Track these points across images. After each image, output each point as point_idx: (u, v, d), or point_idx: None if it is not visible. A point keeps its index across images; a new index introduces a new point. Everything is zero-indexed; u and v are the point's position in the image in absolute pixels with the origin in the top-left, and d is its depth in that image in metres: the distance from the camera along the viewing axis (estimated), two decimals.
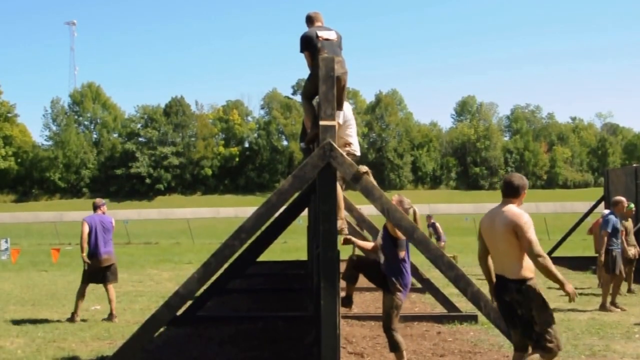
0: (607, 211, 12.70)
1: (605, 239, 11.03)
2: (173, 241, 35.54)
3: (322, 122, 6.22)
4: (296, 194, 9.81)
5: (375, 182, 6.41)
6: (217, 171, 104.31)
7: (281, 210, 10.37)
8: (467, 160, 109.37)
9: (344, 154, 6.31)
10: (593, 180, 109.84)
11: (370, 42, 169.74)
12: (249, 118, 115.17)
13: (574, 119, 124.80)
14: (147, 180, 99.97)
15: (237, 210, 68.04)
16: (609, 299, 11.60)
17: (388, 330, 6.84)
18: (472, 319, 10.11)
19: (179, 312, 11.30)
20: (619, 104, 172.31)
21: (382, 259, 7.04)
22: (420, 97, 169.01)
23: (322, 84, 6.26)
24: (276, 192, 6.17)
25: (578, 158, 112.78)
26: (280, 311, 11.10)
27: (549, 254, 20.75)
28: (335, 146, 6.17)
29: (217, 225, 52.06)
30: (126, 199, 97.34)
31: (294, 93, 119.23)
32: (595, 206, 22.37)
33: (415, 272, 10.41)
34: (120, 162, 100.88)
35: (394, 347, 6.83)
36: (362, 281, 13.71)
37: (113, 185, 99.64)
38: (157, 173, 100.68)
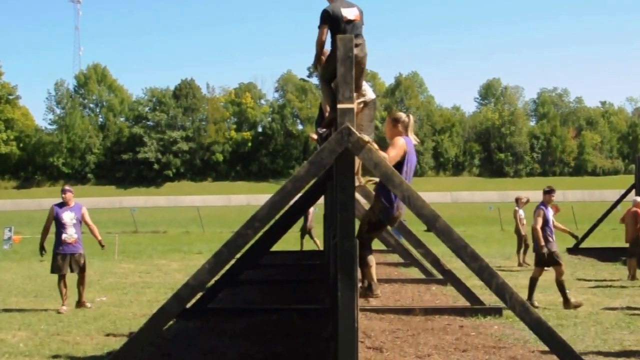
0: None
1: None
2: (182, 230, 35.66)
3: (340, 105, 6.18)
4: (312, 181, 9.79)
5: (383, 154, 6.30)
6: (229, 157, 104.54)
7: (296, 197, 10.36)
8: (491, 146, 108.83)
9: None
10: (623, 168, 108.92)
11: (389, 20, 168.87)
12: (262, 101, 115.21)
13: (603, 103, 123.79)
14: (155, 166, 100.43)
15: (250, 197, 68.21)
16: None
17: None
18: (496, 312, 10.07)
19: (189, 305, 11.37)
20: None
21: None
22: (442, 80, 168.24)
23: (341, 65, 6.22)
24: (292, 178, 6.14)
25: (608, 144, 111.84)
26: (295, 303, 11.10)
27: (577, 244, 20.63)
28: (354, 130, 6.13)
29: (228, 213, 52.21)
30: (133, 186, 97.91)
31: (310, 75, 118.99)
32: (625, 194, 22.16)
33: (437, 263, 10.37)
34: (127, 147, 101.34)
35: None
36: (381, 272, 13.73)
37: (119, 171, 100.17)
38: (166, 158, 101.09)
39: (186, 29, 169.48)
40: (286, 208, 11.23)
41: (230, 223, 40.52)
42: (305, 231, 22.62)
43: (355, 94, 7.35)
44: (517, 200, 17.76)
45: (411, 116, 7.30)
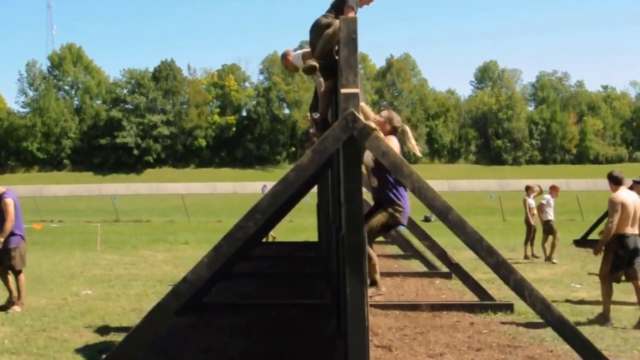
0: None
1: None
2: (166, 219, 35.54)
3: (343, 90, 6.10)
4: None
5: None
6: (212, 142, 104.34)
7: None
8: (488, 132, 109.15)
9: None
10: (627, 155, 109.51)
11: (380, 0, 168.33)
12: (247, 84, 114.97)
13: (605, 87, 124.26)
14: (135, 152, 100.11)
15: (236, 185, 68.07)
16: None
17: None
18: (507, 308, 10.04)
19: (161, 298, 11.29)
20: None
21: (374, 182, 7.36)
22: (436, 63, 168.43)
23: (344, 47, 6.14)
24: (295, 168, 6.05)
25: (610, 130, 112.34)
26: (292, 298, 11.05)
27: (584, 237, 20.68)
28: (359, 116, 6.04)
29: (213, 202, 52.07)
30: (112, 172, 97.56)
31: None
32: (635, 184, 22.24)
33: (444, 256, 10.32)
34: (105, 131, 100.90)
35: None
36: (381, 265, 13.67)
37: (97, 157, 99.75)
38: (146, 143, 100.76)
39: (166, 7, 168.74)
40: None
41: (216, 212, 40.45)
42: None
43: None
44: (527, 188, 17.70)
45: (407, 127, 7.42)
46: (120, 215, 35.84)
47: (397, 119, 7.45)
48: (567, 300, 11.28)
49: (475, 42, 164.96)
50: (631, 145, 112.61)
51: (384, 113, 7.41)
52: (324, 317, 9.40)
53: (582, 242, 20.58)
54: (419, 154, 7.61)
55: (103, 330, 9.00)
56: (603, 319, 9.44)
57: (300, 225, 30.08)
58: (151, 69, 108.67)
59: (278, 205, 6.13)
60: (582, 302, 11.21)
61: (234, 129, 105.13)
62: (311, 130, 20.67)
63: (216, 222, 34.05)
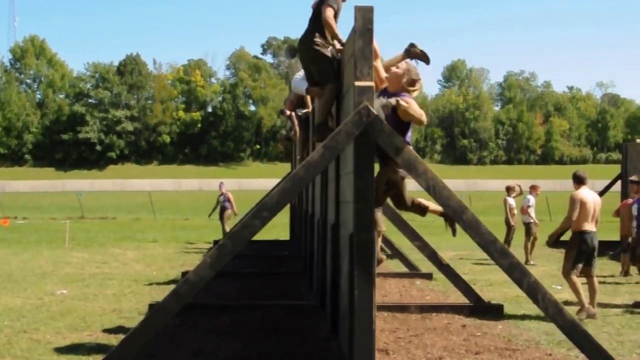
0: None
1: None
2: (132, 216, 35.10)
3: (357, 83, 5.96)
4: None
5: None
6: (177, 138, 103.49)
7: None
8: (454, 132, 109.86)
9: None
10: (591, 156, 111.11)
11: None
12: (213, 80, 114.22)
13: (571, 88, 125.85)
14: (98, 147, 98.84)
15: (202, 182, 67.47)
16: None
17: None
18: (497, 310, 9.98)
19: (162, 299, 11.03)
20: (621, 73, 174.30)
21: None
22: None
23: (359, 38, 5.98)
24: (304, 164, 5.88)
25: (576, 131, 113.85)
26: (275, 299, 10.88)
27: (558, 237, 20.73)
28: (374, 111, 5.89)
29: (179, 199, 51.56)
30: (74, 168, 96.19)
31: (264, 53, 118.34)
32: (611, 185, 22.43)
33: (435, 257, 10.23)
34: (68, 126, 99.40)
35: None
36: None
37: (59, 152, 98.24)
38: (109, 139, 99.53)
39: (132, 0, 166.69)
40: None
41: (183, 209, 40.05)
42: (225, 217, 22.26)
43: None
44: (508, 188, 17.72)
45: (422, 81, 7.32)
46: (85, 212, 35.26)
47: (416, 72, 7.12)
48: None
49: (443, 40, 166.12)
50: (595, 146, 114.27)
51: (402, 65, 7.10)
52: (312, 318, 9.24)
53: (555, 243, 20.62)
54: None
55: (85, 331, 8.74)
56: (588, 314, 9.62)
57: (269, 223, 29.80)
58: (116, 63, 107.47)
59: (287, 203, 5.96)
60: (566, 303, 11.17)
61: (199, 125, 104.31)
62: (291, 134, 20.43)
63: (183, 219, 33.73)
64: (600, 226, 24.73)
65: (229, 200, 22.39)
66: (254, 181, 74.70)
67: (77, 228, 27.02)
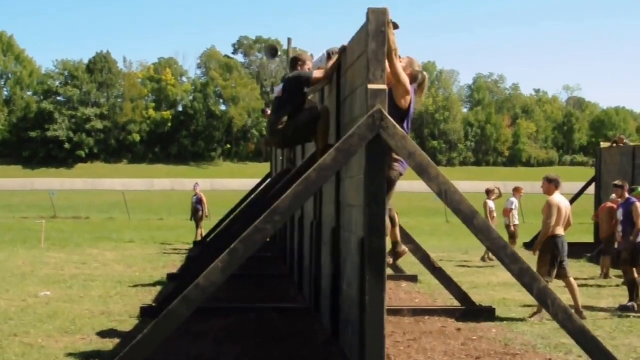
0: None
1: None
2: (106, 216, 34.59)
3: (370, 86, 5.89)
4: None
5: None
6: (147, 137, 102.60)
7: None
8: (424, 133, 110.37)
9: None
10: (558, 159, 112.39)
11: None
12: (184, 79, 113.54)
13: (537, 91, 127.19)
14: (67, 146, 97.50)
15: (174, 182, 66.92)
16: None
17: None
18: (489, 313, 9.99)
19: (152, 302, 10.85)
20: (587, 77, 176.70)
21: None
22: None
23: (372, 41, 5.91)
24: (316, 167, 5.79)
25: (543, 134, 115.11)
26: (264, 301, 10.78)
27: (534, 240, 20.89)
28: (387, 115, 5.83)
29: (152, 198, 51.04)
30: (41, 166, 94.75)
31: (235, 52, 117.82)
32: (585, 187, 22.64)
33: (427, 260, 10.20)
34: (36, 124, 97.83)
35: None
36: None
37: (26, 150, 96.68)
38: (78, 137, 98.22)
39: None
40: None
41: (156, 209, 39.63)
42: (197, 219, 22.10)
43: None
44: (488, 191, 17.79)
45: (426, 75, 7.32)
46: (58, 212, 34.70)
47: (418, 64, 7.17)
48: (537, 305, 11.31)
49: (412, 41, 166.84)
50: (562, 149, 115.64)
51: (405, 59, 7.07)
52: (306, 322, 9.16)
53: (531, 245, 20.78)
54: (418, 106, 7.52)
55: (77, 335, 8.56)
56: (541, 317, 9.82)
57: None
58: (85, 61, 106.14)
59: (299, 207, 5.87)
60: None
61: (169, 124, 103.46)
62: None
63: (158, 220, 33.34)
64: (575, 229, 25.14)
65: (200, 202, 22.18)
66: (226, 181, 74.29)
67: (51, 228, 26.53)
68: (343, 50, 7.51)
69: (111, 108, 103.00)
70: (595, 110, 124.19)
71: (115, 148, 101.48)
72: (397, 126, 5.85)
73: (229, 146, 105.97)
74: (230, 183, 71.90)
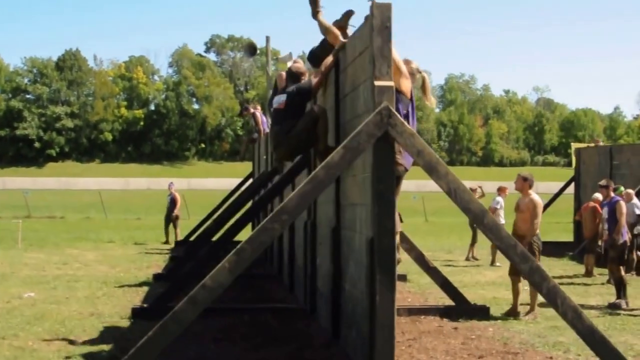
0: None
1: None
2: (81, 216, 34.13)
3: (377, 83, 5.81)
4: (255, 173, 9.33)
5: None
6: (119, 136, 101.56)
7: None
8: None
9: None
10: (529, 159, 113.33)
11: None
12: (156, 77, 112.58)
13: (507, 92, 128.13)
14: (37, 144, 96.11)
15: (150, 181, 66.33)
16: None
17: None
18: (483, 312, 9.98)
19: (141, 303, 10.68)
20: (556, 78, 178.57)
21: None
22: None
23: (377, 36, 5.84)
24: (324, 165, 5.70)
25: (514, 134, 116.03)
26: (256, 302, 10.68)
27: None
28: (394, 112, 5.75)
29: (128, 198, 50.56)
30: (10, 165, 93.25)
31: (207, 51, 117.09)
32: (565, 187, 22.83)
33: (422, 259, 10.16)
34: (4, 122, 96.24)
35: None
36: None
37: None
38: (48, 136, 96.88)
39: None
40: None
41: (133, 209, 39.19)
42: (170, 219, 21.85)
43: None
44: (472, 190, 17.79)
45: (425, 75, 7.33)
46: (32, 211, 34.18)
47: (415, 65, 7.33)
48: (527, 303, 11.31)
49: None
50: (533, 149, 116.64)
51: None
52: (301, 322, 9.08)
53: None
54: (432, 105, 7.51)
55: (69, 337, 8.36)
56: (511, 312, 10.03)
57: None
58: (55, 58, 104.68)
59: (307, 206, 5.77)
60: (542, 304, 11.25)
61: (141, 123, 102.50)
62: (254, 135, 20.07)
63: (135, 219, 32.98)
64: (553, 227, 25.24)
65: (173, 201, 21.94)
66: (204, 180, 73.89)
67: (25, 227, 26.00)
68: (342, 47, 7.42)
69: (82, 106, 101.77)
70: (564, 111, 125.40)
71: (86, 147, 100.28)
72: (405, 123, 5.79)
73: (203, 145, 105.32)
74: (208, 182, 71.54)
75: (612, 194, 12.97)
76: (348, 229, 7.09)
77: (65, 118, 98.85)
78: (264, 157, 17.61)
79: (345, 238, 7.27)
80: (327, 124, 7.72)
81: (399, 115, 5.73)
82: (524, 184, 10.59)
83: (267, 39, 23.57)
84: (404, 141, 5.73)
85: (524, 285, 10.22)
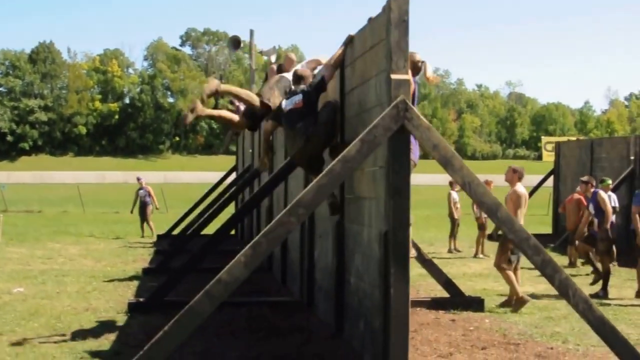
0: None
1: (637, 216, 11.10)
2: (59, 209, 33.72)
3: (394, 76, 5.76)
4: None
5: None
6: (93, 130, 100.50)
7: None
8: None
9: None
10: (501, 152, 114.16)
11: None
12: (131, 70, 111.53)
13: (480, 86, 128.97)
14: (9, 138, 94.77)
15: (127, 175, 65.61)
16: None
17: None
18: (477, 303, 9.99)
19: (133, 297, 10.53)
20: (527, 73, 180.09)
21: None
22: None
23: (394, 30, 5.79)
24: (340, 159, 5.63)
25: (487, 128, 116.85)
26: (248, 295, 10.57)
27: (496, 230, 21.11)
28: (411, 105, 5.71)
29: (105, 192, 50.06)
30: None
31: (183, 44, 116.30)
32: (544, 180, 23.02)
33: (419, 252, 10.13)
34: None
35: None
36: None
37: None
38: (22, 130, 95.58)
39: None
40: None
41: (111, 203, 38.73)
42: (146, 214, 21.60)
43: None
44: (452, 183, 17.85)
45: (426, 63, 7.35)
46: (8, 205, 33.68)
47: (419, 56, 7.32)
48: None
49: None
50: (505, 142, 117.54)
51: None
52: (299, 315, 9.02)
53: (494, 236, 21.00)
54: (437, 81, 7.55)
55: (67, 332, 8.22)
56: (519, 304, 9.88)
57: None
58: (28, 51, 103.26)
59: (323, 199, 5.70)
60: (532, 295, 11.30)
61: (116, 116, 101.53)
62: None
63: (112, 212, 32.60)
64: (530, 220, 25.41)
65: (149, 195, 21.65)
66: (181, 174, 73.39)
67: (3, 222, 25.72)
68: (349, 40, 7.35)
69: (55, 99, 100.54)
70: (535, 106, 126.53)
71: (60, 140, 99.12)
72: (422, 117, 5.74)
73: (177, 139, 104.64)
74: (184, 176, 71.08)
75: (592, 189, 13.17)
76: (354, 222, 7.04)
77: (38, 111, 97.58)
78: (250, 150, 17.50)
79: (350, 231, 7.21)
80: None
81: (415, 109, 5.68)
82: (514, 175, 10.64)
83: (251, 32, 23.57)
84: (420, 135, 5.69)
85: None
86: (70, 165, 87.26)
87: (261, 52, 22.99)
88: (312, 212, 9.05)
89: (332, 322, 7.74)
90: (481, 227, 17.14)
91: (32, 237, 20.67)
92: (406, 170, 5.72)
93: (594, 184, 13.99)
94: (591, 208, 12.75)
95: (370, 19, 6.62)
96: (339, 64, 7.51)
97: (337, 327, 7.61)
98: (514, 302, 10.00)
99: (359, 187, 6.86)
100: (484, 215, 17.21)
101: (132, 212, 22.38)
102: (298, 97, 7.35)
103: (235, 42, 23.05)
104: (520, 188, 10.47)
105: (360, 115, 6.82)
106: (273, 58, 21.99)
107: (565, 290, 5.88)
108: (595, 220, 12.45)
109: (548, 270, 5.87)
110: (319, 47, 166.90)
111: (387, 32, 5.83)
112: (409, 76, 5.78)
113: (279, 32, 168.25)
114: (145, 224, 21.49)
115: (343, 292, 7.45)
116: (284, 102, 7.51)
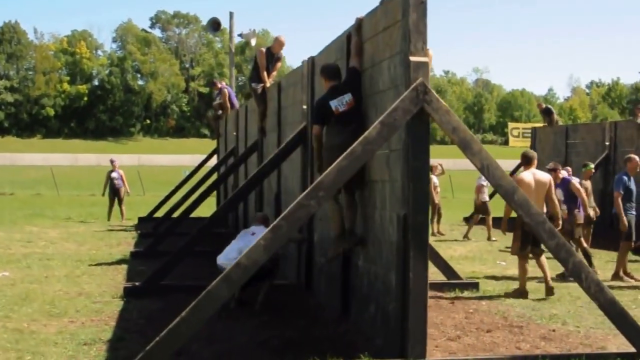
0: None
1: (620, 201, 11.10)
2: (32, 192, 33.12)
3: (413, 58, 5.65)
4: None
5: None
6: (61, 112, 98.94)
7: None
8: None
9: None
10: None
11: None
12: (99, 52, 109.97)
13: (447, 72, 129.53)
14: None
15: (100, 157, 64.73)
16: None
17: None
18: (473, 286, 9.99)
19: (125, 281, 10.34)
20: (493, 59, 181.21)
21: None
22: (294, 41, 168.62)
23: (413, 12, 5.66)
24: (361, 141, 5.53)
25: (455, 113, 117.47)
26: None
27: (472, 215, 21.21)
28: (430, 88, 5.60)
29: (77, 174, 49.32)
30: None
31: (152, 26, 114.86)
32: (519, 166, 23.11)
33: None
34: None
35: None
36: None
37: None
38: None
39: None
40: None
41: (85, 185, 38.16)
42: (119, 197, 21.18)
43: None
44: (431, 167, 17.81)
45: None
46: None
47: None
48: (506, 277, 11.39)
49: (333, 19, 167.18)
50: (472, 127, 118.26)
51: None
52: (298, 298, 8.95)
53: (471, 219, 21.05)
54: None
55: (64, 317, 8.03)
56: (519, 294, 9.69)
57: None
58: None
59: (344, 181, 5.58)
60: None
61: (85, 98, 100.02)
62: (219, 112, 19.66)
63: (87, 195, 32.10)
64: (502, 203, 25.46)
65: (121, 178, 21.16)
66: (154, 157, 72.60)
67: None
68: (359, 24, 7.14)
69: (22, 81, 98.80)
70: (501, 92, 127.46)
71: (27, 122, 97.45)
72: (441, 100, 5.65)
73: (148, 121, 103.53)
74: (158, 159, 70.35)
75: (561, 175, 13.13)
76: (364, 205, 6.93)
77: (4, 93, 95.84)
78: (234, 133, 17.29)
79: (359, 215, 7.10)
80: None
81: (434, 92, 5.58)
82: (521, 162, 10.55)
83: (231, 15, 23.24)
84: (440, 118, 5.60)
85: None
86: (38, 147, 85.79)
87: (240, 35, 22.75)
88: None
89: (338, 305, 7.65)
90: (483, 209, 17.22)
91: (8, 220, 20.21)
92: (426, 153, 5.63)
93: (560, 169, 13.94)
94: (560, 194, 12.70)
95: (382, 1, 6.48)
96: (359, 50, 7.17)
97: (342, 310, 7.52)
98: (514, 290, 9.85)
99: (370, 170, 6.74)
100: (483, 200, 17.28)
101: (103, 194, 21.89)
102: (348, 97, 6.91)
103: (214, 25, 22.76)
104: (521, 174, 10.00)
105: (372, 97, 6.70)
106: (253, 41, 21.79)
107: (578, 274, 5.88)
108: (565, 207, 12.43)
109: (562, 254, 5.85)
110: (295, 35, 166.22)
111: (404, 14, 5.71)
112: (427, 58, 5.67)
113: (255, 14, 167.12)
114: (115, 208, 21.04)
115: (349, 275, 7.37)
116: (332, 103, 6.92)
